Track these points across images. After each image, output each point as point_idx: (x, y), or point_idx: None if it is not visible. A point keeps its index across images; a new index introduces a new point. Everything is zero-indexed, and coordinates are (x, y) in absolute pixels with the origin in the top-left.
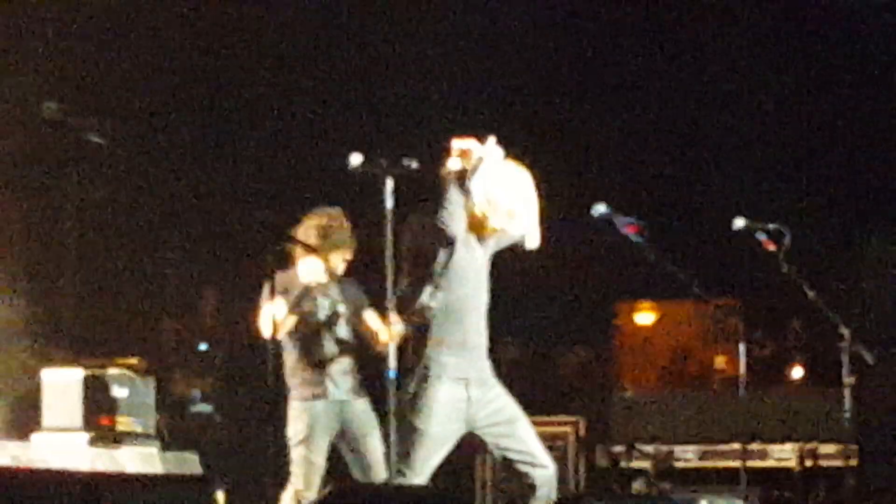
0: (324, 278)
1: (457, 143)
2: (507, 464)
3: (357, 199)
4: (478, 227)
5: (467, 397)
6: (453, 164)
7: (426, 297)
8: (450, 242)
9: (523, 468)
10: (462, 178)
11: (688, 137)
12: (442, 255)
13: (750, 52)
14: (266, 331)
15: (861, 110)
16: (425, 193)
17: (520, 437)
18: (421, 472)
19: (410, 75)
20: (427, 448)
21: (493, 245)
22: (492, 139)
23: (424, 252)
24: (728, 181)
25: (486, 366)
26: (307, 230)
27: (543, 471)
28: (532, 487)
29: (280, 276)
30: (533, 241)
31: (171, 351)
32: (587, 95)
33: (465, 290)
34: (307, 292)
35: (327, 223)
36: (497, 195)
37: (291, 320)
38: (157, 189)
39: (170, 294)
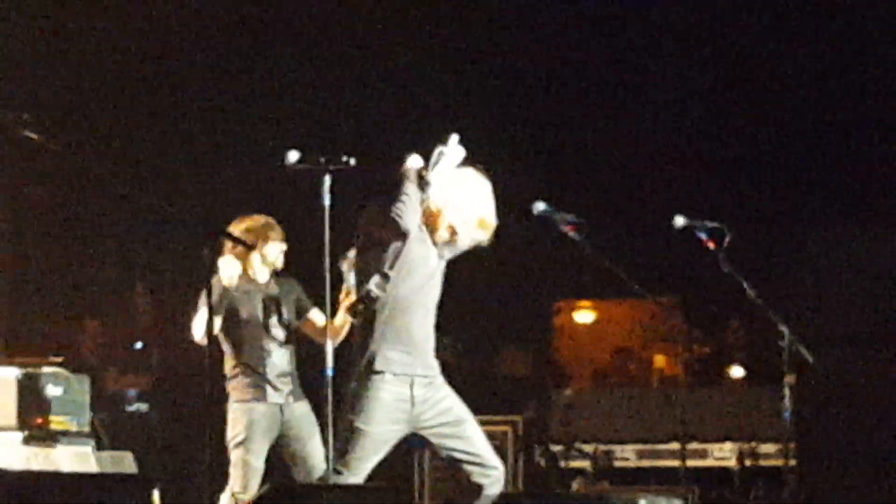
0: (236, 279)
1: (413, 162)
2: (455, 465)
3: (294, 196)
4: (432, 223)
5: (411, 396)
6: (413, 161)
7: (372, 284)
8: (402, 234)
9: (471, 469)
10: (421, 176)
11: (627, 134)
12: (393, 246)
13: (687, 47)
14: (197, 334)
15: (800, 105)
16: (384, 187)
17: (468, 437)
18: (358, 472)
19: (353, 69)
20: (366, 448)
21: (448, 250)
22: (454, 137)
23: (376, 241)
24: (668, 179)
25: (432, 364)
26: (239, 230)
27: (493, 471)
28: (480, 488)
29: (217, 278)
30: (481, 237)
31: (106, 349)
32: (529, 92)
33: (413, 284)
34: (225, 293)
35: (264, 223)
36: (453, 194)
37: (216, 322)
38: (90, 186)
39: (105, 292)
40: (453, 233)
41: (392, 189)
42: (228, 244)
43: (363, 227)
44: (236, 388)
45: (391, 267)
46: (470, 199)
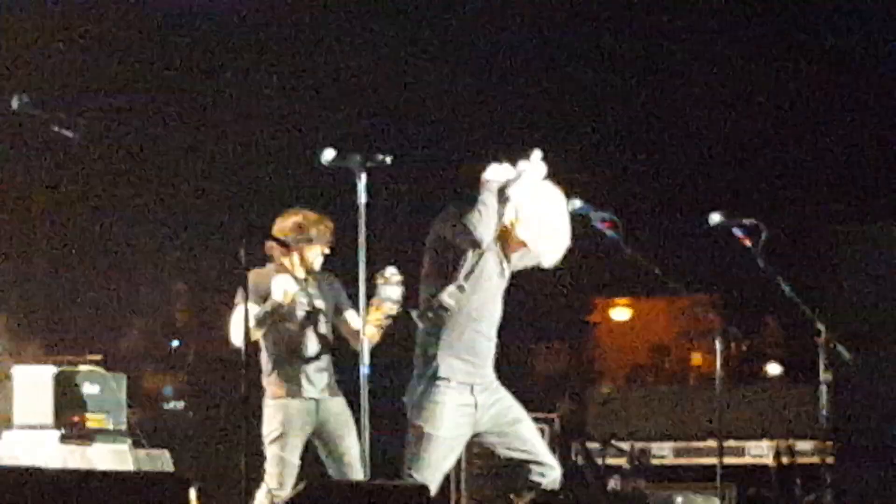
0: (293, 291)
1: (494, 174)
2: (513, 464)
3: (330, 194)
4: (506, 236)
5: (475, 402)
6: (494, 173)
7: (446, 296)
8: (476, 244)
9: (530, 467)
10: (503, 189)
11: (664, 132)
12: (469, 257)
13: (726, 46)
14: (236, 338)
15: (838, 104)
16: (464, 192)
17: (524, 437)
18: (432, 478)
19: (389, 70)
20: (438, 453)
21: (516, 260)
22: (537, 153)
23: (452, 249)
24: (704, 176)
25: (491, 372)
26: (283, 227)
27: (550, 471)
28: (537, 486)
29: (254, 275)
30: (550, 260)
31: (143, 347)
32: (564, 91)
33: (484, 296)
34: (278, 308)
35: (302, 220)
36: (529, 210)
37: (261, 331)
38: (127, 184)
39: (142, 290)
40: (525, 248)
41: (448, 191)
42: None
43: (437, 230)
44: (272, 383)
45: (466, 278)
46: (545, 215)
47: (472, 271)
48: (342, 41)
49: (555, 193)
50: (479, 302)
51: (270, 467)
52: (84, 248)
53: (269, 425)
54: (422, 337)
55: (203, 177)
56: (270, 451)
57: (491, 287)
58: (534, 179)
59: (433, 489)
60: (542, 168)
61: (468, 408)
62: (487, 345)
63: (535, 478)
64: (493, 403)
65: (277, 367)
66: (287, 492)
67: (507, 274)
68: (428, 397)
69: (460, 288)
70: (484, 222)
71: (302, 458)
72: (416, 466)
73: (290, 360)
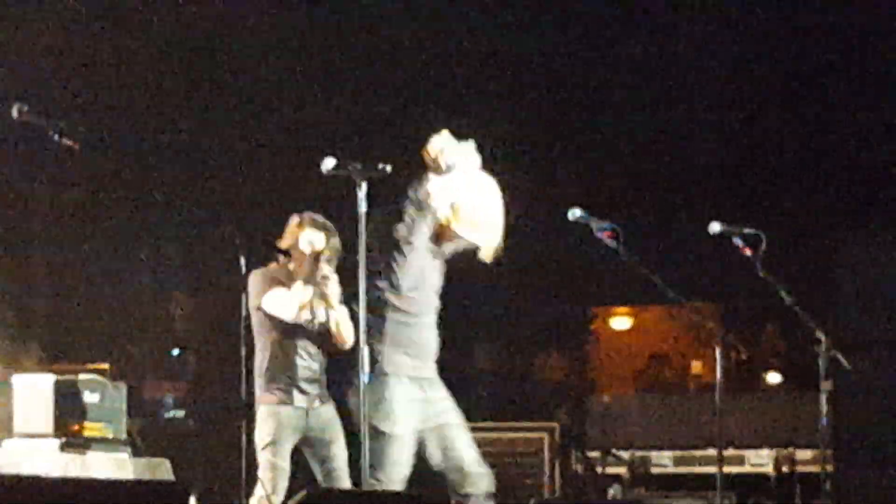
0: (307, 300)
1: (436, 142)
2: (448, 465)
3: (330, 203)
4: (440, 232)
5: (424, 397)
6: (422, 190)
7: (386, 292)
8: (408, 243)
9: (466, 469)
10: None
11: (664, 142)
12: (403, 254)
13: (725, 55)
14: (289, 311)
15: (837, 113)
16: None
17: (462, 439)
18: (398, 477)
19: (385, 78)
20: (400, 451)
21: (450, 249)
22: (470, 143)
23: (386, 247)
24: (704, 185)
25: (434, 367)
26: (293, 237)
27: (481, 480)
28: (470, 488)
29: (270, 271)
30: (487, 253)
31: (143, 356)
32: (564, 100)
33: (424, 291)
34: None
35: (313, 234)
36: (464, 201)
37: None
38: (127, 192)
39: (142, 299)
40: (457, 236)
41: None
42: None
43: (371, 236)
44: (265, 390)
45: (402, 274)
46: (480, 208)
47: (405, 267)
48: (343, 48)
49: (490, 185)
50: (419, 296)
51: (263, 473)
52: (84, 256)
53: (261, 432)
54: (364, 333)
55: (204, 185)
56: (262, 457)
57: (428, 281)
58: (467, 168)
59: (399, 488)
60: (476, 158)
61: (417, 403)
62: (431, 338)
63: (469, 489)
64: (437, 400)
65: (270, 374)
66: (279, 497)
67: (443, 265)
68: (377, 395)
69: (395, 286)
70: (414, 228)
71: (295, 464)
72: (379, 467)
73: (283, 369)
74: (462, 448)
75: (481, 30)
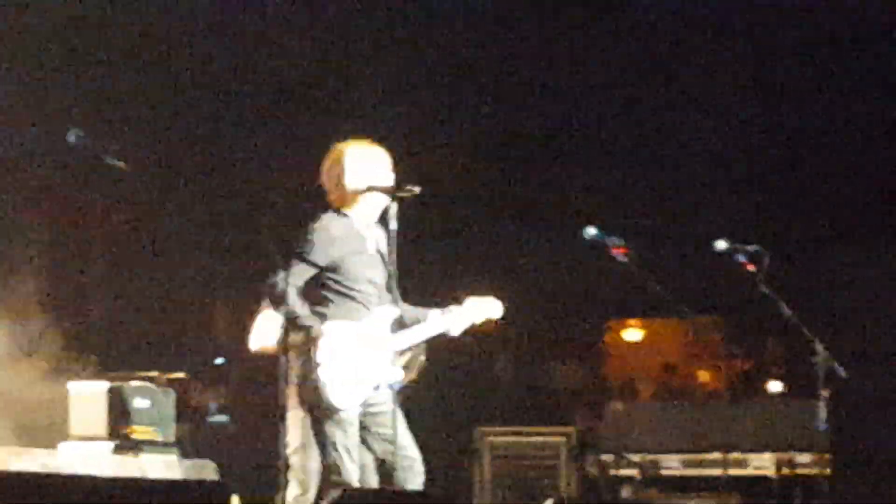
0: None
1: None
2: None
3: None
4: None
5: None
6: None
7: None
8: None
9: (402, 461)
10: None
11: (673, 165)
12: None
13: (729, 72)
14: (254, 343)
15: (837, 132)
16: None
17: (398, 429)
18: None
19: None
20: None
21: (374, 215)
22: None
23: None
24: (710, 205)
25: None
26: None
27: (415, 462)
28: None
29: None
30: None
31: (190, 365)
32: (575, 119)
33: (364, 287)
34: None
35: None
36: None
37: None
38: (175, 209)
39: (189, 310)
40: (373, 209)
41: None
42: None
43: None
44: (295, 394)
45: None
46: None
47: (339, 273)
48: (371, 66)
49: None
50: (362, 290)
51: (294, 474)
52: (135, 270)
53: (292, 435)
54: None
55: (247, 204)
56: (293, 459)
57: (369, 272)
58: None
59: (354, 480)
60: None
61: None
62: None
63: (408, 475)
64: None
65: (300, 380)
66: (310, 496)
67: (377, 244)
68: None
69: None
70: (317, 250)
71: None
72: (326, 450)
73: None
74: (403, 432)
75: (490, 48)
